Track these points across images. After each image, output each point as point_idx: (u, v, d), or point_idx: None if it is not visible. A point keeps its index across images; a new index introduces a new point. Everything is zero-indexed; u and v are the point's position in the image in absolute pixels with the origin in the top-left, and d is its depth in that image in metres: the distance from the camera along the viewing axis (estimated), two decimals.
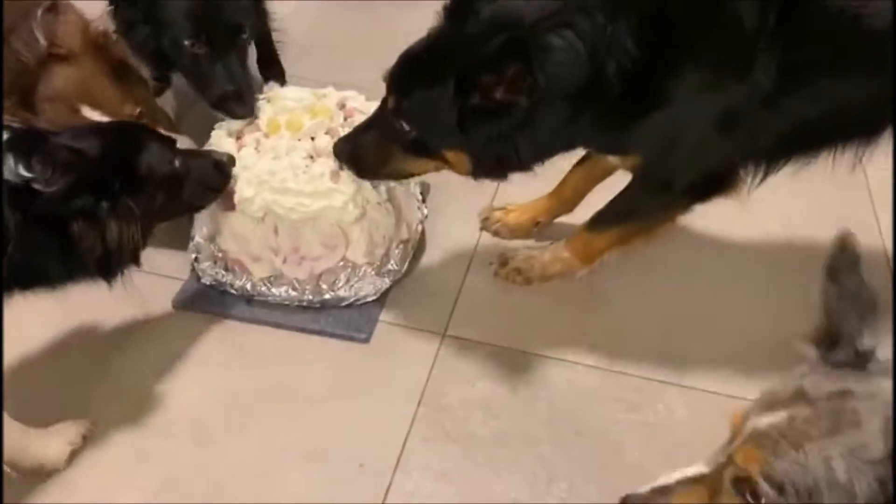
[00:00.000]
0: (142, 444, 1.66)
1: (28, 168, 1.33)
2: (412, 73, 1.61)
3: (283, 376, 1.80)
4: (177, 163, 1.61)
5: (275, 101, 1.92)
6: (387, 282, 1.95)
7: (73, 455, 1.61)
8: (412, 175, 1.81)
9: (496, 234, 2.14)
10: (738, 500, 0.86)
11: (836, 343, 0.94)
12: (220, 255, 1.92)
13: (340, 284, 1.90)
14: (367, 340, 1.88)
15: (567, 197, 2.05)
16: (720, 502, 0.91)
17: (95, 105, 1.73)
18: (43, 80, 1.70)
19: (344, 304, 1.91)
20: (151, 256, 2.03)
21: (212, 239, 1.92)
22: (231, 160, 1.76)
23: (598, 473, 1.62)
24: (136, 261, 1.57)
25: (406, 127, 1.63)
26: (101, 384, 1.77)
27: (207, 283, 1.94)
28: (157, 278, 1.99)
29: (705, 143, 1.63)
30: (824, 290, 0.98)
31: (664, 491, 0.98)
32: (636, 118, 1.58)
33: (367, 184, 1.83)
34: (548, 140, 1.61)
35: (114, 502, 1.56)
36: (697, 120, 1.60)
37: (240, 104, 1.91)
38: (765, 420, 0.86)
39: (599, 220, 1.88)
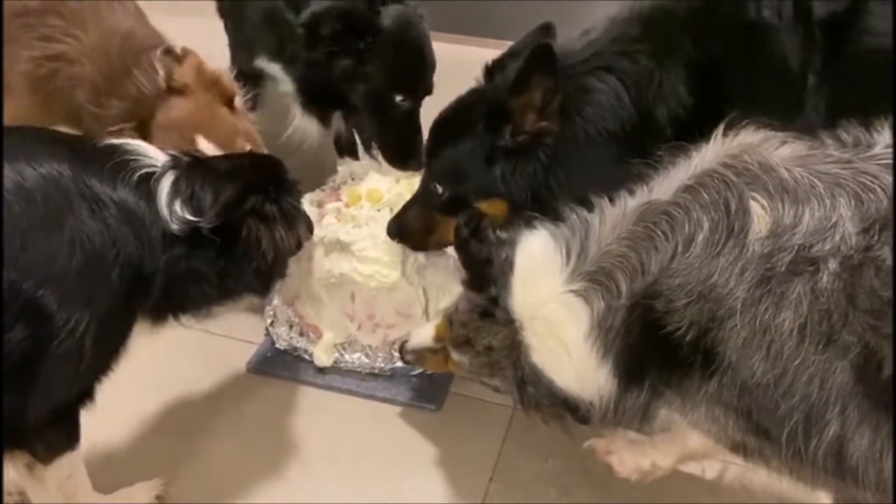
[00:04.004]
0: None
1: (193, 209, 1.38)
2: (440, 135, 1.69)
3: (356, 443, 1.80)
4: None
5: (358, 174, 2.00)
6: None
7: None
8: None
9: None
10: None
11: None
12: (296, 319, 1.96)
13: None
14: (437, 410, 1.87)
15: None
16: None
17: (210, 136, 1.81)
18: (161, 110, 1.82)
19: (415, 373, 1.92)
20: (226, 320, 2.09)
21: (290, 303, 1.96)
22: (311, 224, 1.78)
23: None
24: (283, 273, 1.63)
25: (440, 189, 1.68)
26: (175, 446, 1.78)
27: (282, 347, 1.97)
28: (231, 342, 2.03)
29: None
30: None
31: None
32: None
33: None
34: (587, 179, 1.58)
35: None
36: None
37: (414, 159, 1.95)
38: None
39: None
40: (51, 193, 1.21)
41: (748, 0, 1.52)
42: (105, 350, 1.31)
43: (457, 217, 1.69)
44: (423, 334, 1.64)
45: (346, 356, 1.92)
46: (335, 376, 1.93)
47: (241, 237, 1.44)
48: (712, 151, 1.29)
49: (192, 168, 1.44)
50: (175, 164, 1.43)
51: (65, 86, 1.88)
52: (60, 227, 1.21)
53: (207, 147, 1.78)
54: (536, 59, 1.49)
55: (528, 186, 1.59)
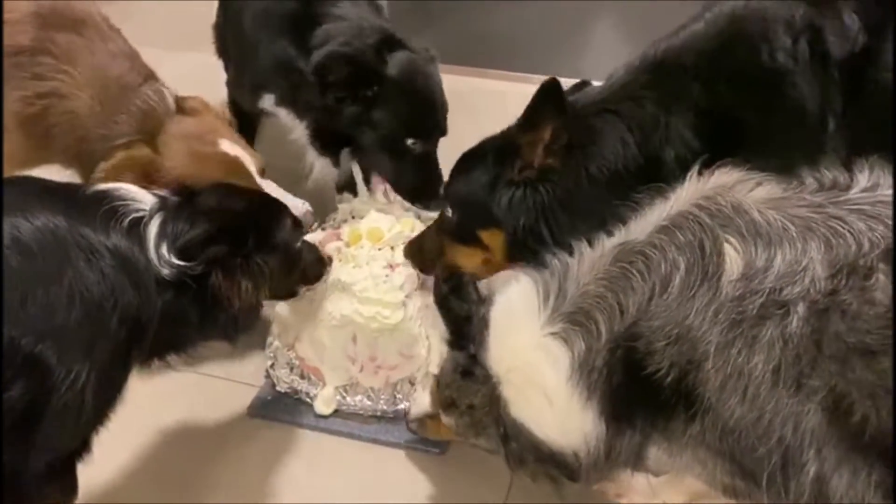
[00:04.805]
0: None
1: (179, 252, 1.36)
2: (459, 163, 1.73)
3: (358, 488, 1.76)
4: (299, 244, 1.65)
5: (359, 211, 1.98)
6: None
7: None
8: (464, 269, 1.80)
9: None
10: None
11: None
12: (297, 362, 1.93)
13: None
14: (441, 453, 1.84)
15: None
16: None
17: (232, 139, 1.85)
18: (172, 123, 1.86)
19: None
20: (227, 362, 2.07)
21: (290, 346, 1.93)
22: (330, 260, 1.81)
23: None
24: (254, 323, 1.61)
25: (450, 212, 1.72)
26: (176, 491, 1.75)
27: (283, 390, 1.94)
28: (232, 385, 2.00)
29: None
30: None
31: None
32: None
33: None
34: (588, 219, 1.57)
35: None
36: None
37: (434, 199, 1.95)
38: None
39: None
40: (47, 246, 1.20)
41: (761, 45, 1.52)
42: (105, 400, 1.29)
43: (464, 244, 1.74)
44: (422, 402, 1.64)
45: (349, 399, 1.89)
46: (337, 419, 1.89)
47: (209, 284, 1.41)
48: (687, 192, 1.30)
49: (178, 209, 1.42)
50: (162, 205, 1.41)
51: (60, 121, 1.86)
52: (59, 280, 1.19)
53: (232, 149, 1.82)
54: (546, 96, 1.51)
55: (525, 219, 1.60)
